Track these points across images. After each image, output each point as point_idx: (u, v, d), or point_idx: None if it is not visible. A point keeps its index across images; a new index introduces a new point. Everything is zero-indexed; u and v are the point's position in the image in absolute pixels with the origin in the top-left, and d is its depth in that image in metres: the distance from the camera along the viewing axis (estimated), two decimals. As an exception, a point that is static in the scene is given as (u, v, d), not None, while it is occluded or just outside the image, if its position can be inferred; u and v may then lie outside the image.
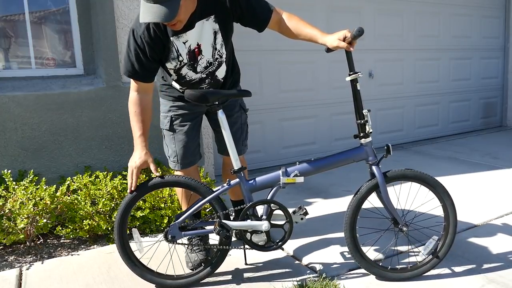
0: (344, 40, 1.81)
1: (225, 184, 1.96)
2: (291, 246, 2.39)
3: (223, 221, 1.92)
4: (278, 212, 1.95)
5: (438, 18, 5.28)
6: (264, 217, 1.94)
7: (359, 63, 4.64)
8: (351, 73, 1.89)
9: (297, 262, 2.23)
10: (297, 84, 4.29)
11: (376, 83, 4.85)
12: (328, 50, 1.91)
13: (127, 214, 1.93)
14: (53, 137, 2.84)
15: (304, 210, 1.97)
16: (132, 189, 1.89)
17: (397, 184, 2.04)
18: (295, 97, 4.30)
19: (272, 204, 1.94)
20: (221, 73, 2.07)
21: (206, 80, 2.04)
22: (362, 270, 2.05)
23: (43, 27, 3.01)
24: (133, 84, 1.92)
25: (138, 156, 1.91)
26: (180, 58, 1.92)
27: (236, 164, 1.93)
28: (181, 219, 1.92)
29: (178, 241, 1.93)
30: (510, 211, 2.82)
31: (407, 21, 5.00)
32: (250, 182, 1.96)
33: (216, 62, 2.01)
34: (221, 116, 1.92)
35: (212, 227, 1.94)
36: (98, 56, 3.03)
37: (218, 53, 1.99)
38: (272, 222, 1.94)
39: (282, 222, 1.95)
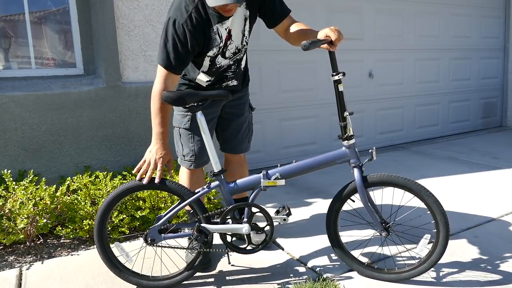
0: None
1: (205, 187, 1.94)
2: (291, 246, 2.39)
3: (203, 225, 1.90)
4: (260, 214, 1.94)
5: (438, 18, 5.28)
6: (245, 219, 1.92)
7: (359, 63, 4.65)
8: (334, 73, 1.87)
9: (297, 262, 2.23)
10: (297, 84, 4.29)
11: (376, 83, 4.85)
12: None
13: (106, 220, 1.91)
14: (53, 137, 2.84)
15: (288, 210, 1.95)
16: (158, 180, 1.85)
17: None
18: (295, 97, 4.30)
19: (252, 207, 1.92)
20: (243, 62, 2.11)
21: (232, 67, 2.06)
22: (362, 270, 2.05)
23: (43, 27, 3.01)
24: (162, 74, 1.85)
25: (161, 150, 1.86)
26: (221, 45, 1.94)
27: (216, 166, 1.91)
28: (160, 222, 1.90)
29: (158, 244, 1.92)
30: (510, 211, 2.83)
31: (407, 21, 4.99)
32: (230, 184, 1.94)
33: (243, 50, 2.04)
34: (200, 118, 1.87)
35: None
36: (98, 56, 3.03)
37: (246, 39, 2.02)
38: (252, 225, 1.93)
39: (263, 225, 1.94)
